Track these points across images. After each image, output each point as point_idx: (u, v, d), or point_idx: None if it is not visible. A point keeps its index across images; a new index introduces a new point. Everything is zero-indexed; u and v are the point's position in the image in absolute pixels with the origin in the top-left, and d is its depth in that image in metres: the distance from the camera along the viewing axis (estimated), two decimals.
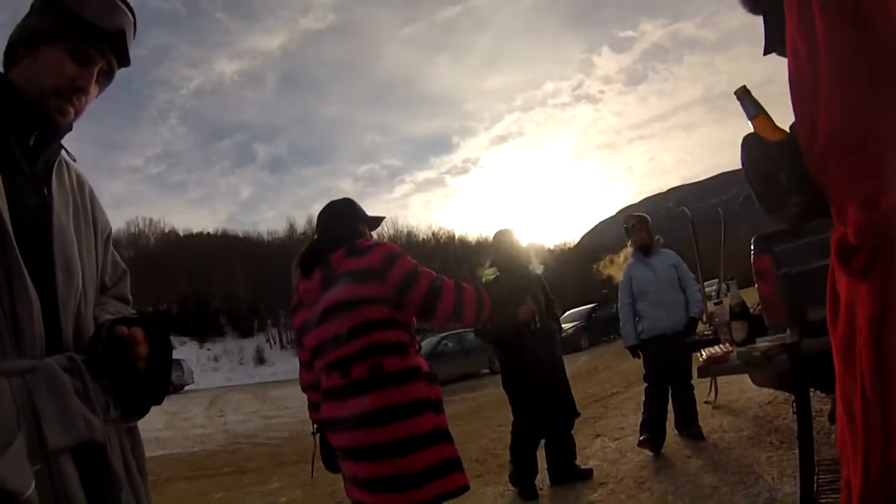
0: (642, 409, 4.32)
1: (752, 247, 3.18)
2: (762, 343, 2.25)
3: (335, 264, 1.92)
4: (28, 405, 0.97)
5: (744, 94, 1.06)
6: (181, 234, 52.77)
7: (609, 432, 5.31)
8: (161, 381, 1.19)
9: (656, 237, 4.56)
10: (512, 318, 3.64)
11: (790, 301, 2.12)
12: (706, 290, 6.56)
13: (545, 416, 3.87)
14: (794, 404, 2.40)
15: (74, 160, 1.25)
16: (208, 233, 54.86)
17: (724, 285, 5.89)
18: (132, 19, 1.19)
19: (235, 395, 21.47)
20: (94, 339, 1.12)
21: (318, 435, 2.18)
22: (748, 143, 1.01)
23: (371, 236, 2.19)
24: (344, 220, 2.14)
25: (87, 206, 1.23)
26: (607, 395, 7.93)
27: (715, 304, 3.25)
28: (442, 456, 1.84)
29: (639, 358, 4.45)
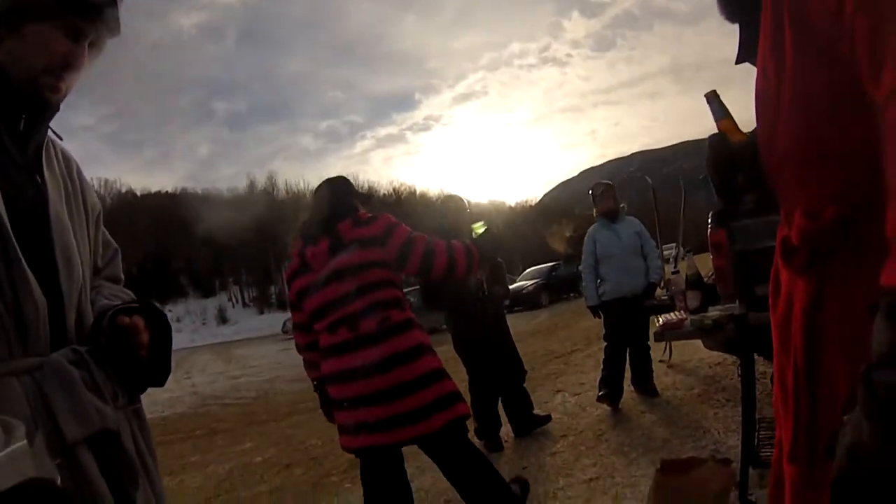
0: (601, 367, 4.55)
1: (709, 220, 3.36)
2: (713, 312, 2.44)
3: (343, 233, 2.18)
4: (41, 402, 0.98)
5: (713, 98, 1.17)
6: (138, 193, 51.32)
7: (569, 388, 5.59)
8: (163, 365, 1.22)
9: (622, 205, 4.74)
10: (460, 285, 3.79)
11: (740, 276, 2.30)
12: (664, 253, 6.83)
13: (497, 376, 4.11)
14: (740, 368, 2.63)
15: (61, 139, 1.20)
16: (167, 192, 53.56)
17: (681, 250, 6.18)
18: None
19: (200, 356, 21.41)
20: (96, 328, 1.13)
21: (318, 391, 2.46)
22: (713, 141, 1.12)
23: (365, 209, 2.40)
24: (345, 195, 2.37)
25: (77, 188, 1.19)
26: (567, 353, 8.20)
27: (672, 272, 3.45)
28: (444, 390, 2.15)
29: (599, 318, 4.68)
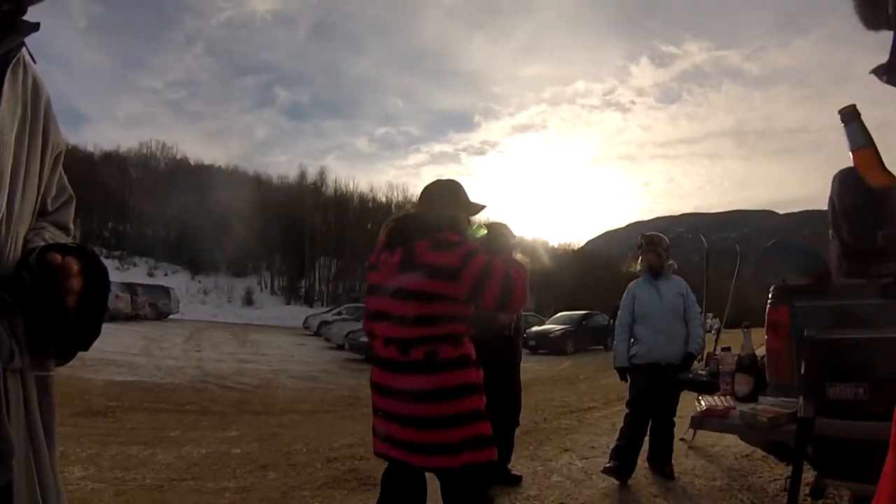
0: (618, 434, 4.15)
1: (769, 295, 2.95)
2: (767, 405, 2.06)
3: (417, 252, 2.05)
4: None
5: (852, 116, 0.84)
6: (192, 163, 52.72)
7: (578, 448, 5.17)
8: (91, 324, 1.01)
9: (669, 261, 4.34)
10: (493, 320, 3.43)
11: (809, 371, 1.91)
12: (707, 321, 6.37)
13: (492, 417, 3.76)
14: (788, 481, 2.22)
15: (35, 62, 1.07)
16: (219, 167, 54.82)
17: (720, 323, 5.72)
18: None
19: (217, 333, 21.50)
20: (21, 265, 0.95)
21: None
22: (845, 180, 0.84)
23: (468, 224, 2.31)
24: (446, 205, 2.23)
25: (38, 117, 1.05)
26: (584, 409, 7.79)
27: (722, 349, 3.05)
28: (479, 432, 2.05)
29: (626, 381, 4.26)
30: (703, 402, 2.45)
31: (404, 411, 2.06)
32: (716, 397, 2.54)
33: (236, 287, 40.67)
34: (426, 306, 2.04)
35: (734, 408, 2.19)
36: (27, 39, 1.01)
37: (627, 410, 4.19)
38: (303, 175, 52.63)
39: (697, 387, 3.45)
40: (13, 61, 0.98)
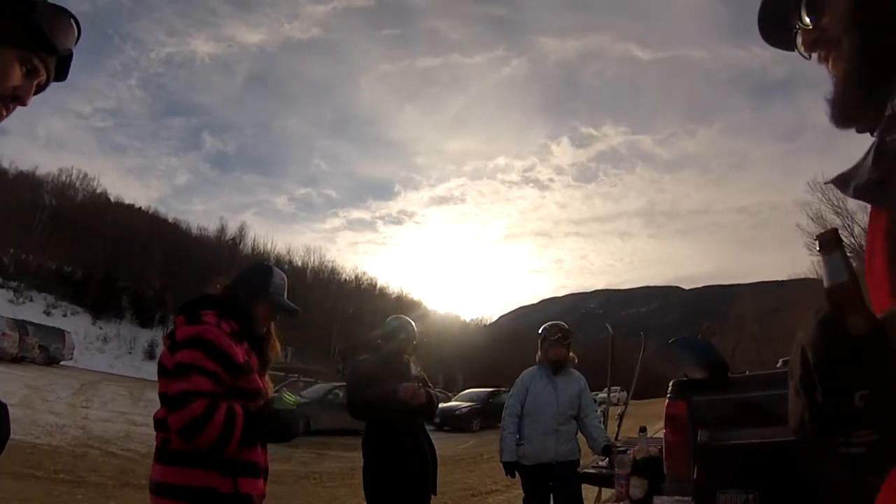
0: None
1: (668, 390, 2.95)
2: None
3: (175, 324, 1.95)
4: None
5: (833, 245, 0.69)
6: (112, 199, 50.25)
7: None
8: None
9: (572, 355, 4.13)
10: (391, 397, 3.35)
11: (701, 478, 2.02)
12: (613, 395, 6.59)
13: None
14: None
15: None
16: (139, 207, 52.51)
17: (627, 395, 5.88)
18: (78, 38, 1.17)
19: (111, 387, 19.92)
20: None
21: None
22: (822, 323, 0.65)
23: (266, 316, 2.13)
24: (239, 289, 2.09)
25: None
26: (486, 492, 7.78)
27: (620, 450, 3.08)
28: None
29: (513, 476, 4.02)
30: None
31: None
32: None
33: (140, 338, 37.96)
34: (162, 383, 1.89)
35: None
36: None
37: None
38: (223, 229, 51.29)
39: (599, 480, 3.47)
40: None
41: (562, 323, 4.25)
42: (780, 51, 0.90)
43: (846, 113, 0.76)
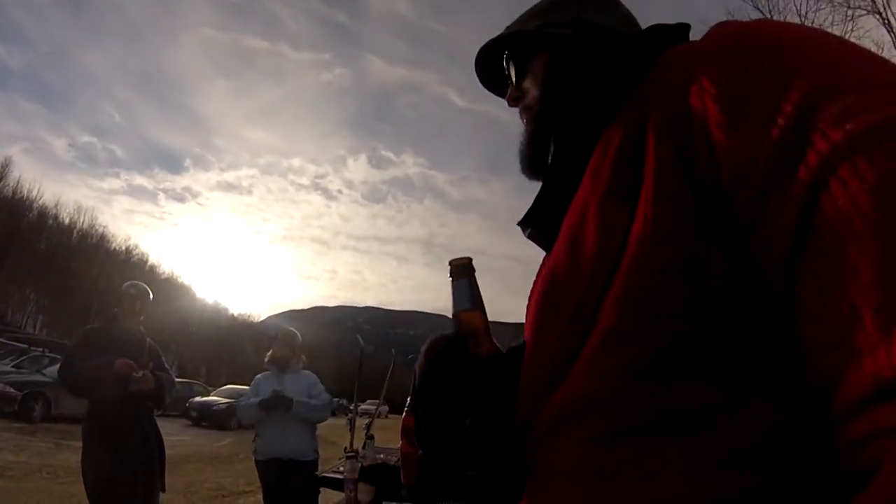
0: None
1: (406, 403, 3.15)
2: None
3: None
4: None
5: (465, 272, 0.70)
6: None
7: None
8: None
9: (301, 355, 4.31)
10: (106, 371, 3.18)
11: (420, 487, 2.24)
12: (369, 407, 6.69)
13: None
14: None
15: None
16: None
17: (387, 408, 6.18)
18: None
19: None
20: None
21: None
22: (438, 345, 0.67)
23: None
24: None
25: None
26: (237, 492, 7.79)
27: (348, 456, 3.10)
28: None
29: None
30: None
31: None
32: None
33: None
34: None
35: None
36: None
37: None
38: None
39: (335, 484, 3.57)
40: None
41: (289, 327, 4.47)
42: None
43: (531, 168, 0.78)
